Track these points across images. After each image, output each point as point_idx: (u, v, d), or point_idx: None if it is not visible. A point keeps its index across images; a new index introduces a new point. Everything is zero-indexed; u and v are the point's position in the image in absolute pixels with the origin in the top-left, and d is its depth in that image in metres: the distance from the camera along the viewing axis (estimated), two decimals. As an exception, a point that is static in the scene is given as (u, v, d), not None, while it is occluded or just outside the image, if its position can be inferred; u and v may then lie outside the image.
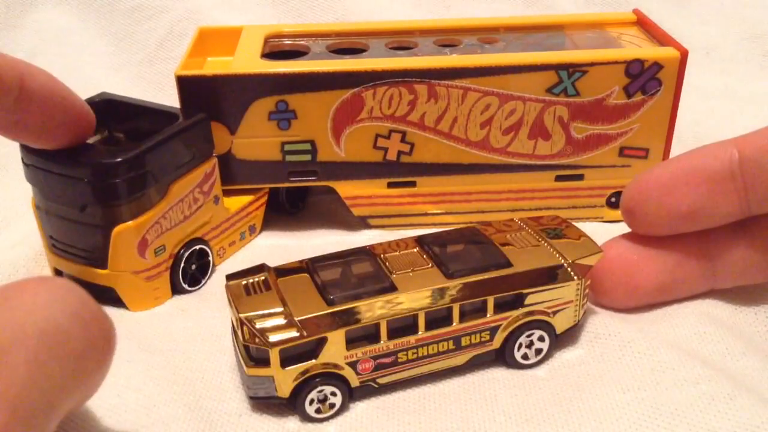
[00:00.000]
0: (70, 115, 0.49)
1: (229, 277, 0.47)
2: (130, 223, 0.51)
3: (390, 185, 0.62)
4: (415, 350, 0.45)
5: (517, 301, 0.47)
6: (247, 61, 0.60)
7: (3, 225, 0.64)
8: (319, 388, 0.44)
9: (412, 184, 0.62)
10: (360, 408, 0.45)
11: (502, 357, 0.48)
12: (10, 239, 0.62)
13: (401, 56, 0.62)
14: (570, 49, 0.63)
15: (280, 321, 0.43)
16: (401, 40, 0.66)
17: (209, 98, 0.58)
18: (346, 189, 0.62)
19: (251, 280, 0.46)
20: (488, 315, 0.46)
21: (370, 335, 0.44)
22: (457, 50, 0.63)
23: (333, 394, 0.44)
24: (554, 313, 0.48)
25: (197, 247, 0.57)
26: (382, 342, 0.44)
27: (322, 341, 0.43)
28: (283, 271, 0.47)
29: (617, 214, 0.64)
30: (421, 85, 0.58)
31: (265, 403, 0.45)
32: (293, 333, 0.42)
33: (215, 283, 0.58)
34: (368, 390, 0.46)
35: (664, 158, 0.62)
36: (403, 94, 0.59)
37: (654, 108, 0.60)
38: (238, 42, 0.63)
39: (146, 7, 0.89)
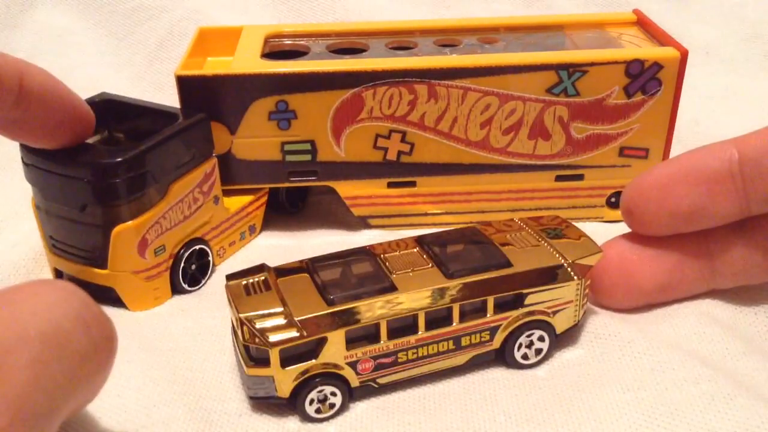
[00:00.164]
0: (70, 114, 0.49)
1: (229, 277, 0.47)
2: (129, 223, 0.51)
3: (390, 185, 0.62)
4: (415, 350, 0.45)
5: (517, 301, 0.47)
6: (247, 61, 0.60)
7: (3, 225, 0.64)
8: (319, 388, 0.44)
9: (412, 184, 0.62)
10: (360, 408, 0.45)
11: (502, 357, 0.48)
12: (10, 239, 0.62)
13: (401, 56, 0.62)
14: (570, 49, 0.63)
15: (280, 321, 0.43)
16: (401, 40, 0.66)
17: (209, 98, 0.58)
18: (346, 189, 0.62)
19: (251, 280, 0.46)
20: (488, 315, 0.46)
21: (370, 335, 0.44)
22: (457, 50, 0.63)
23: (333, 394, 0.44)
24: (554, 313, 0.47)
25: (197, 247, 0.57)
26: (382, 342, 0.44)
27: (322, 341, 0.43)
28: (283, 271, 0.47)
29: (617, 214, 0.64)
30: (421, 85, 0.58)
31: (265, 403, 0.45)
32: (293, 333, 0.42)
33: (215, 283, 0.58)
34: (368, 390, 0.46)
35: (664, 158, 0.62)
36: (403, 94, 0.59)
37: (654, 108, 0.60)
38: (238, 42, 0.63)
39: (146, 7, 0.89)
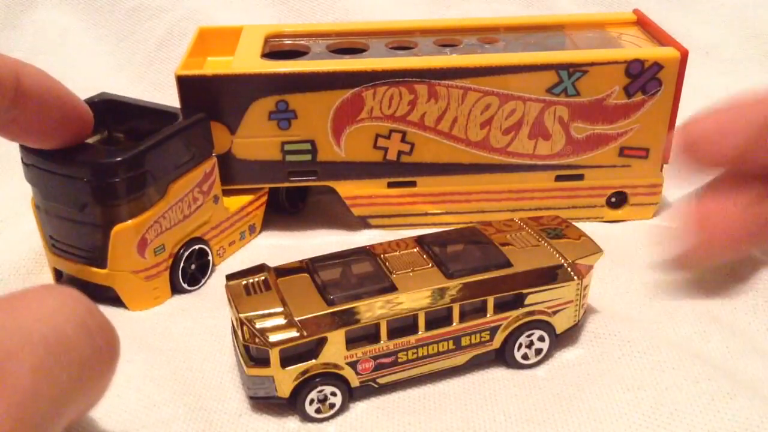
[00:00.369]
0: (68, 114, 0.49)
1: (229, 277, 0.47)
2: (129, 222, 0.51)
3: (390, 185, 0.62)
4: (415, 350, 0.45)
5: (517, 301, 0.47)
6: (247, 61, 0.60)
7: (3, 225, 0.64)
8: (319, 388, 0.44)
9: (412, 184, 0.62)
10: (360, 408, 0.45)
11: (502, 357, 0.48)
12: (10, 239, 0.62)
13: (401, 56, 0.62)
14: (570, 49, 0.63)
15: (280, 321, 0.43)
16: (401, 40, 0.66)
17: (209, 98, 0.58)
18: (346, 189, 0.62)
19: (251, 280, 0.46)
20: (488, 315, 0.46)
21: (370, 335, 0.44)
22: (457, 50, 0.63)
23: (333, 394, 0.44)
24: (554, 313, 0.47)
25: (197, 246, 0.57)
26: (382, 342, 0.44)
27: (322, 341, 0.43)
28: (283, 271, 0.47)
29: (617, 214, 0.64)
30: (421, 85, 0.58)
31: (265, 403, 0.45)
32: (293, 333, 0.42)
33: (215, 283, 0.58)
34: (368, 390, 0.46)
35: (664, 158, 0.62)
36: (404, 94, 0.59)
37: (654, 108, 0.60)
38: (238, 42, 0.63)
39: (146, 7, 0.89)
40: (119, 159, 0.50)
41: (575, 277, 0.47)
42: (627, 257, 0.58)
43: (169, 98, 0.60)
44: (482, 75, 0.58)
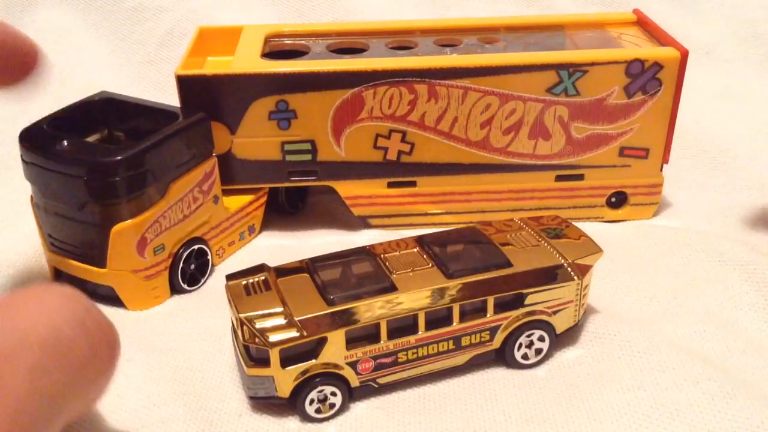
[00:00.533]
0: (9, 48, 0.44)
1: (229, 277, 0.47)
2: (129, 221, 0.51)
3: (390, 185, 0.62)
4: (415, 350, 0.45)
5: (517, 301, 0.47)
6: (247, 60, 0.60)
7: (3, 225, 0.64)
8: (319, 388, 0.44)
9: (413, 183, 0.62)
10: (360, 408, 0.45)
11: (502, 357, 0.48)
12: (10, 239, 0.61)
13: (401, 56, 0.62)
14: (570, 49, 0.63)
15: (280, 321, 0.43)
16: (401, 40, 0.66)
17: (209, 98, 0.58)
18: (346, 189, 0.62)
19: (251, 280, 0.46)
20: (488, 315, 0.46)
21: (370, 335, 0.44)
22: (457, 50, 0.63)
23: (333, 394, 0.44)
24: (554, 313, 0.47)
25: (196, 246, 0.57)
26: (382, 342, 0.44)
27: (322, 341, 0.43)
28: (283, 271, 0.47)
29: (617, 213, 0.64)
30: (421, 85, 0.58)
31: (265, 403, 0.45)
32: (293, 333, 0.42)
33: (214, 283, 0.58)
34: (368, 390, 0.46)
35: (664, 158, 0.62)
36: (404, 94, 0.59)
37: (654, 108, 0.60)
38: (238, 42, 0.63)
39: (146, 7, 0.89)
40: (119, 158, 0.50)
41: (575, 277, 0.47)
42: (627, 257, 0.58)
43: (169, 98, 0.60)
44: (482, 75, 0.58)
